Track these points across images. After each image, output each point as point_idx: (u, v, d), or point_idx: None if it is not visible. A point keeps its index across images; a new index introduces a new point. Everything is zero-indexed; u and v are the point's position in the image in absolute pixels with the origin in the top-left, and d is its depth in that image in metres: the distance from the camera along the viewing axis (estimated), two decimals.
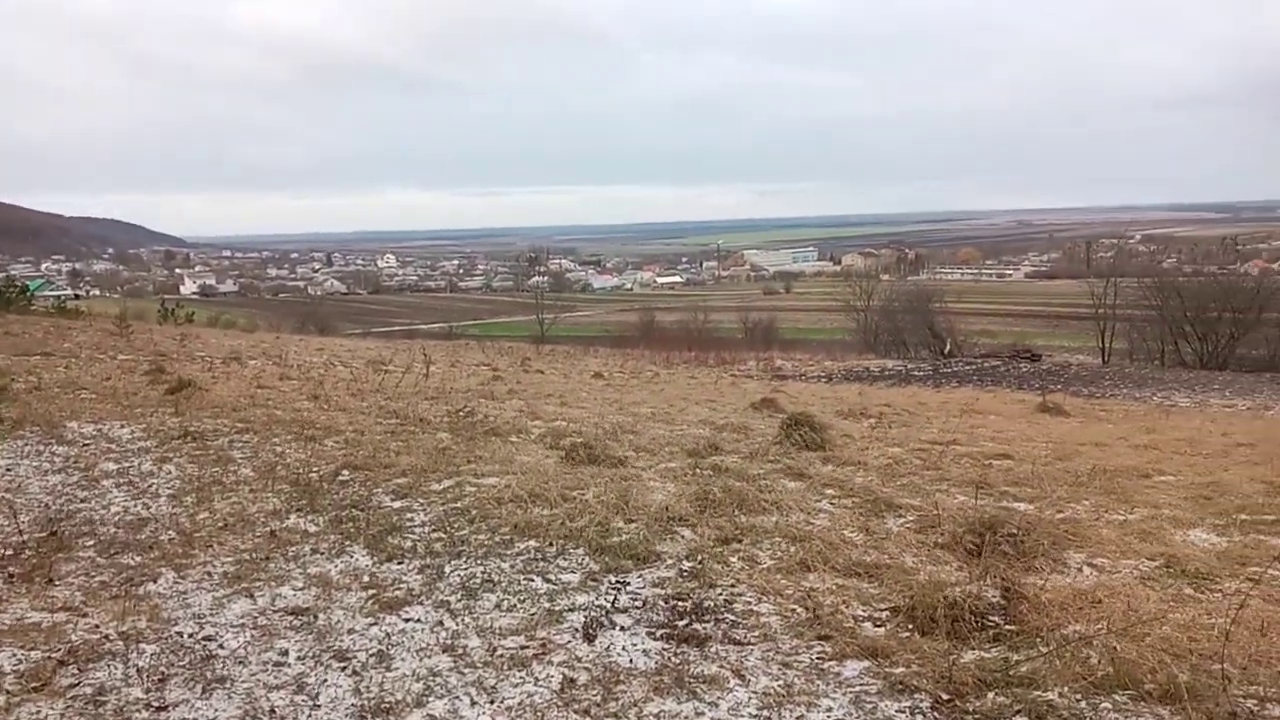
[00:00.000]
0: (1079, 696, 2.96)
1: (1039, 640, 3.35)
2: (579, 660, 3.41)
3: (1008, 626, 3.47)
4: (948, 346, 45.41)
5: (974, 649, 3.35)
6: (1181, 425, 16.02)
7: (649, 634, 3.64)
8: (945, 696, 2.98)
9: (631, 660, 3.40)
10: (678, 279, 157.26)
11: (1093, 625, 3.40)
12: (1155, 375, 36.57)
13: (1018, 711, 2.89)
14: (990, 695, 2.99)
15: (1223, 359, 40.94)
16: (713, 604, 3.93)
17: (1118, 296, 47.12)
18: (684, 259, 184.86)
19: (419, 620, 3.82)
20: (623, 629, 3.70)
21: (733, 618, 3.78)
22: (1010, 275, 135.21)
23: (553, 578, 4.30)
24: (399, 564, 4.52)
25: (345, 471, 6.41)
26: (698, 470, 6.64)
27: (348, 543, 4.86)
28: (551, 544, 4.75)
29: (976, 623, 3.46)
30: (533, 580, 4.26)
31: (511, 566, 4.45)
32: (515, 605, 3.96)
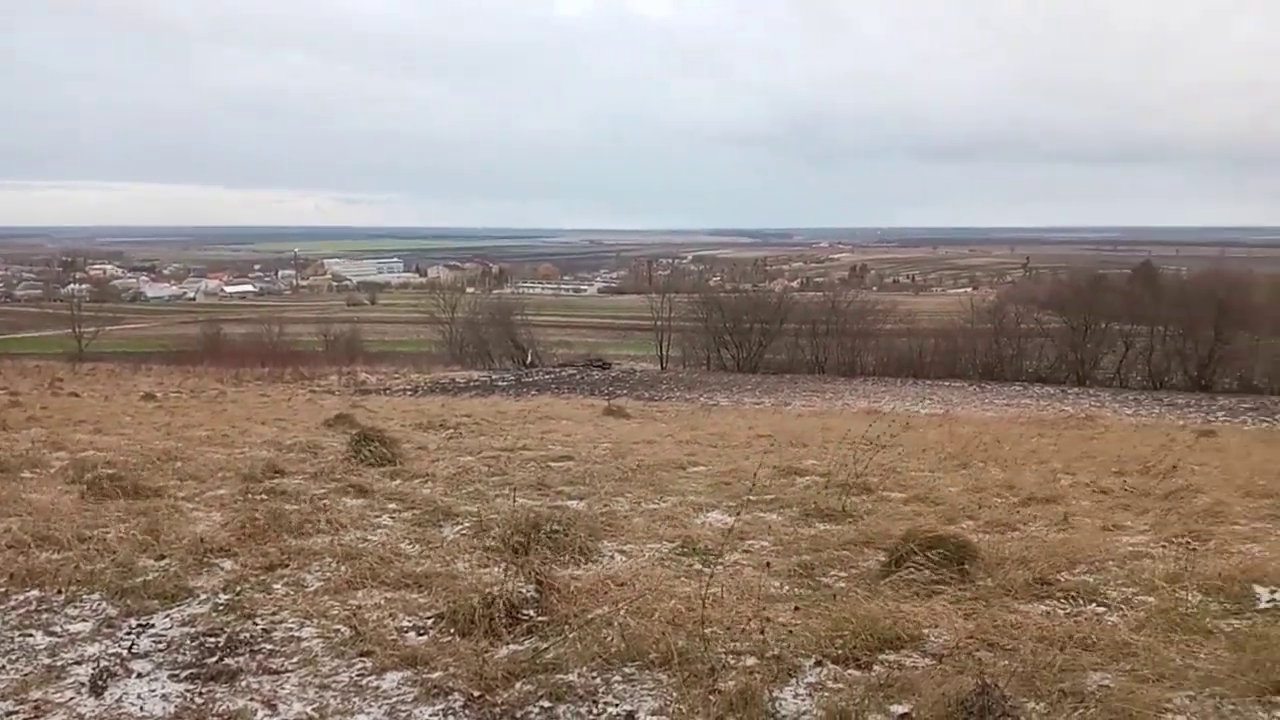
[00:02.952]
0: (595, 673, 3.27)
1: (567, 627, 3.63)
2: (82, 718, 3.03)
3: (540, 618, 3.71)
4: (529, 357, 47.36)
5: (509, 644, 3.54)
6: (719, 422, 18.37)
7: (171, 676, 3.34)
8: (476, 693, 3.12)
9: (146, 708, 3.09)
10: (250, 288, 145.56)
11: (615, 606, 3.76)
12: (703, 379, 41.52)
13: (541, 696, 3.12)
14: (518, 685, 3.19)
15: (754, 363, 47.54)
16: (249, 635, 3.71)
17: (672, 310, 52.64)
18: (257, 266, 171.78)
19: None
20: (140, 675, 3.35)
21: (271, 646, 3.61)
22: (585, 290, 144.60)
23: (58, 629, 3.77)
24: None
25: None
26: (250, 495, 6.23)
27: None
28: (60, 591, 4.16)
29: (512, 618, 3.66)
30: (31, 635, 3.70)
31: (4, 622, 3.82)
32: (5, 666, 3.41)
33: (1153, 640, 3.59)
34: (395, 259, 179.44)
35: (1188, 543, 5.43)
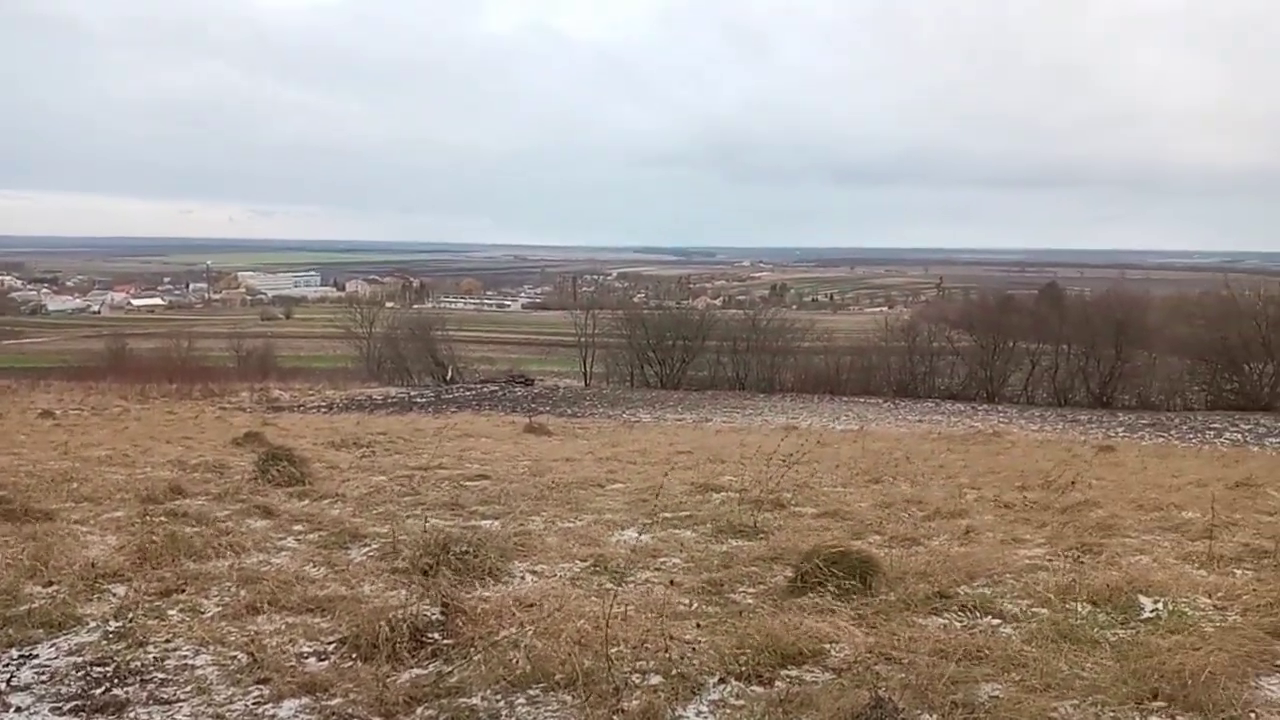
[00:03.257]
0: (499, 696, 3.24)
1: (473, 649, 3.59)
2: None
3: (446, 641, 3.67)
4: (450, 373, 46.74)
5: (412, 668, 3.49)
6: (640, 438, 18.41)
7: (54, 710, 3.20)
8: (376, 719, 3.07)
9: None
10: (159, 301, 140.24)
11: (522, 628, 3.74)
12: (626, 395, 41.57)
13: None
14: (420, 709, 3.15)
15: (677, 379, 47.84)
16: (140, 664, 3.58)
17: (596, 326, 52.67)
18: (167, 279, 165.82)
19: None
20: (19, 710, 3.20)
21: (163, 675, 3.48)
22: (509, 306, 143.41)
23: None
24: None
25: None
26: (148, 518, 6.01)
27: None
28: None
29: (416, 642, 3.61)
30: None
31: None
32: None
33: (1042, 651, 3.74)
34: (312, 272, 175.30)
35: (1079, 556, 5.66)
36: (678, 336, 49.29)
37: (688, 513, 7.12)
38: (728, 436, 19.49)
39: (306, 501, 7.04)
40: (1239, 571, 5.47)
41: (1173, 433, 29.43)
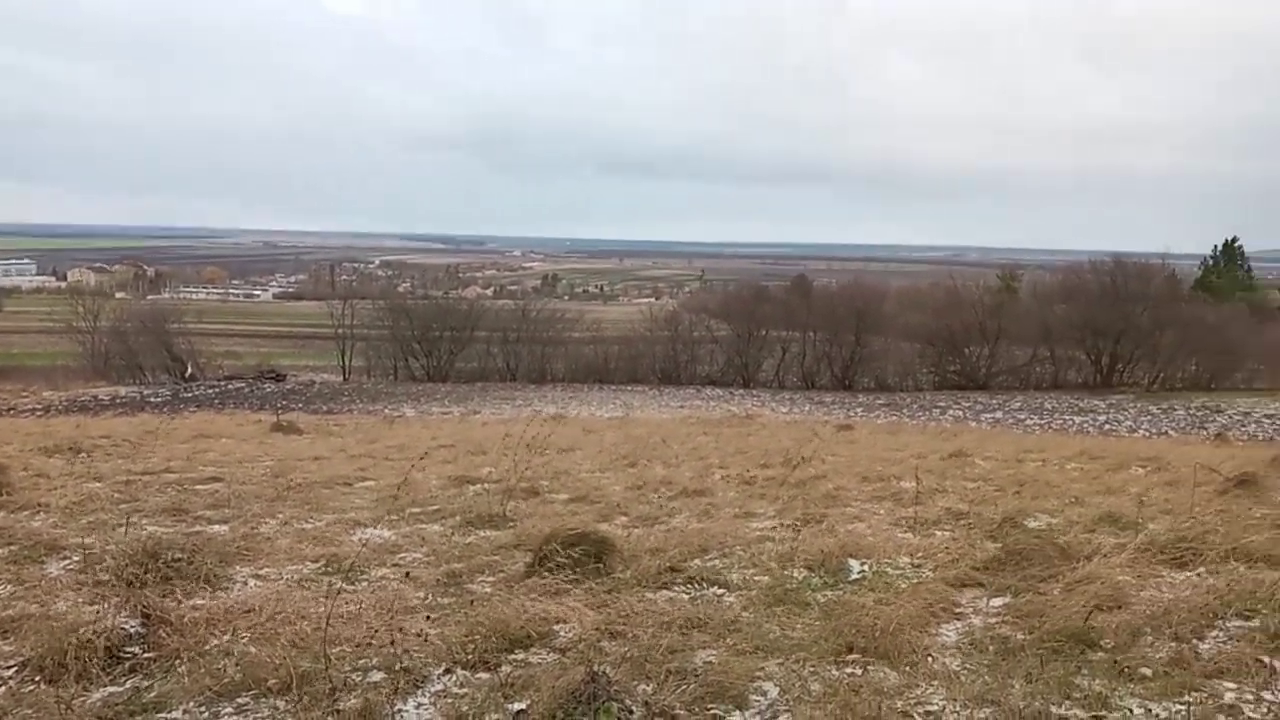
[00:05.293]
0: (204, 708, 3.04)
1: (178, 661, 3.34)
2: None
3: (147, 655, 3.39)
4: (189, 369, 43.21)
5: (106, 686, 3.19)
6: (401, 434, 17.87)
7: None
8: None
9: None
10: None
11: (236, 635, 3.53)
12: (389, 389, 40.29)
13: None
14: None
15: (444, 372, 46.89)
16: None
17: (356, 317, 50.41)
18: None
19: None
20: None
21: None
22: (259, 296, 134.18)
23: None
24: None
25: None
26: None
27: None
28: None
29: (113, 658, 3.31)
30: None
31: None
32: None
33: (758, 615, 4.00)
34: (27, 260, 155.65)
35: (803, 525, 6.10)
36: (445, 327, 48.25)
37: (438, 506, 7.01)
38: (494, 428, 19.31)
39: (1, 514, 6.26)
40: (938, 532, 6.12)
41: (904, 411, 32.50)
